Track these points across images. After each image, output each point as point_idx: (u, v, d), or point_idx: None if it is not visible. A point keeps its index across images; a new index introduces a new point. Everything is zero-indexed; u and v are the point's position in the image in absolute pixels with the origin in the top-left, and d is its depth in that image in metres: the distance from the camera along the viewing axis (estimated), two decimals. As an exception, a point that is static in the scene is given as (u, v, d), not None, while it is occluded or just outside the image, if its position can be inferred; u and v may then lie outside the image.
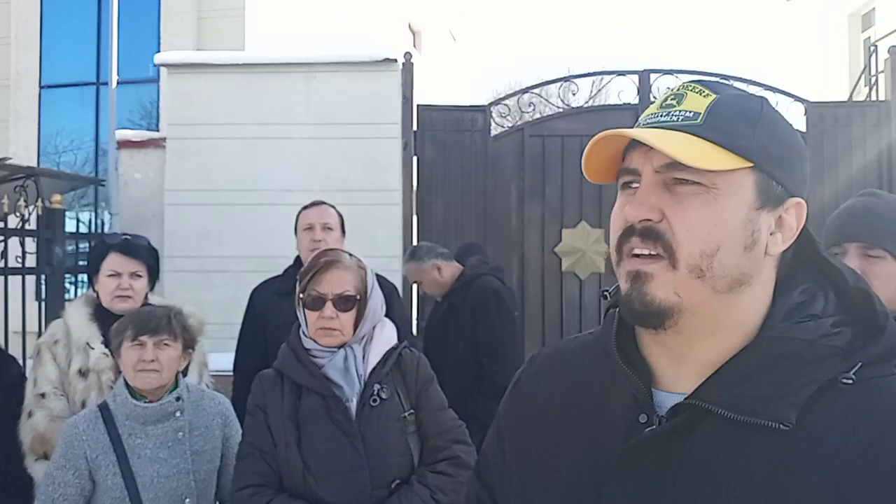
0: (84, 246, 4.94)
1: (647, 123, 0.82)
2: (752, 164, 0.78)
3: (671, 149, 0.75)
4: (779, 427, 0.74)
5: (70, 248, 4.66)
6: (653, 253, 0.79)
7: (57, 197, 4.65)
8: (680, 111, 0.80)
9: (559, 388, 0.94)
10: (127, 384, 2.00)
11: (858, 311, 0.80)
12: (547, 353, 1.03)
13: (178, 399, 2.01)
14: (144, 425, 1.98)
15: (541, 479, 0.90)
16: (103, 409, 2.00)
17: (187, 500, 1.96)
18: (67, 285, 4.71)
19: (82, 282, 5.15)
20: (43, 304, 4.31)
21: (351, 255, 1.93)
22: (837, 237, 1.66)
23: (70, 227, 4.41)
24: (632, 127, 0.83)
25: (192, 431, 2.03)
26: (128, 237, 2.43)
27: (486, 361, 3.19)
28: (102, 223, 5.01)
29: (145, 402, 1.98)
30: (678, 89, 0.83)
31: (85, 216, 4.90)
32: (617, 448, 0.82)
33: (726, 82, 0.84)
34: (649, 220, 0.79)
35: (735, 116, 0.79)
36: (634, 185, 0.82)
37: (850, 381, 0.75)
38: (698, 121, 0.79)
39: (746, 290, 0.80)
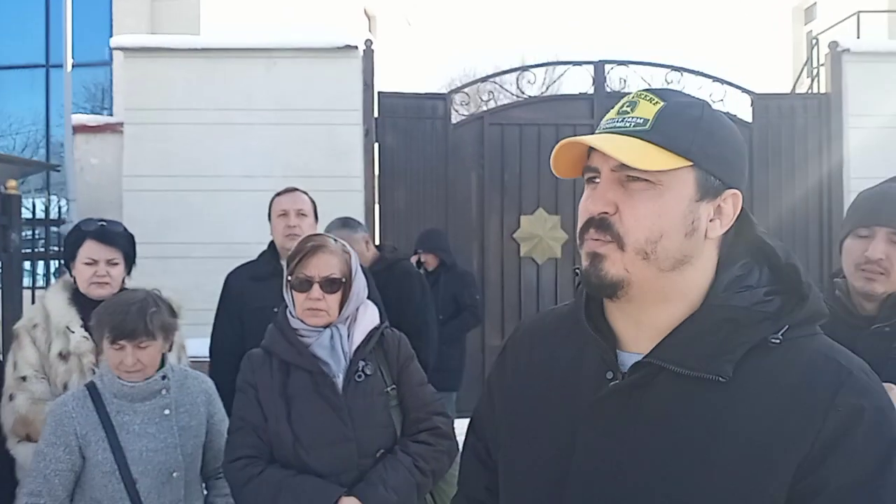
0: (40, 231, 4.87)
1: (606, 128, 0.96)
2: (691, 163, 0.92)
3: (620, 154, 0.90)
4: (718, 379, 0.89)
5: (26, 233, 4.59)
6: (605, 239, 0.93)
7: (12, 183, 4.57)
8: (632, 118, 0.94)
9: (539, 352, 1.09)
10: None
11: (788, 283, 0.95)
12: (528, 323, 1.19)
13: (164, 377, 2.07)
14: (132, 402, 2.03)
15: (526, 428, 1.05)
16: (91, 388, 2.05)
17: (175, 473, 2.03)
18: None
19: (35, 272, 5.07)
20: (-1, 290, 4.26)
21: (336, 240, 2.02)
22: (868, 219, 1.66)
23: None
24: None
25: (178, 408, 2.09)
26: (104, 224, 2.43)
27: (412, 339, 3.32)
28: (59, 208, 4.95)
29: (132, 382, 2.03)
30: (633, 97, 0.96)
31: (30, 202, 4.80)
32: (588, 400, 0.97)
33: (676, 90, 0.98)
34: (606, 212, 0.93)
35: (678, 122, 0.92)
36: (597, 179, 0.95)
37: (778, 341, 0.91)
38: (647, 126, 0.92)
39: (689, 267, 0.94)
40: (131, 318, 1.97)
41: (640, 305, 0.96)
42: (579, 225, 0.97)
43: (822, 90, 5.93)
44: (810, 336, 0.94)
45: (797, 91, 7.32)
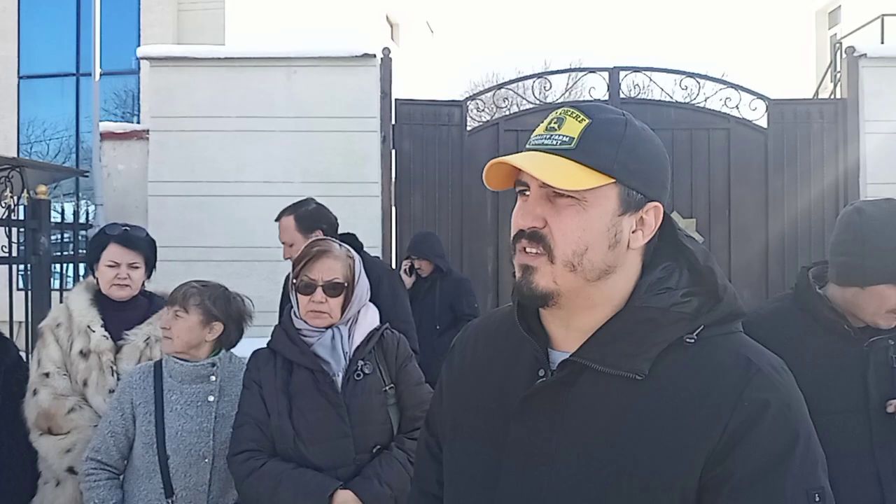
0: (68, 235, 5.04)
1: (534, 144, 1.00)
2: (614, 180, 0.96)
3: (545, 175, 0.94)
4: (635, 377, 0.95)
5: (54, 237, 4.75)
6: (537, 251, 0.97)
7: (42, 188, 4.73)
8: (559, 135, 0.98)
9: (482, 351, 1.15)
10: None
11: (705, 284, 1.00)
12: (475, 323, 1.25)
13: (212, 365, 2.23)
14: (181, 384, 2.20)
15: (465, 423, 1.11)
16: (157, 365, 2.26)
17: (206, 459, 2.17)
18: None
19: (64, 274, 5.23)
20: (29, 293, 4.41)
21: (341, 244, 2.11)
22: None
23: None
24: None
25: (223, 397, 2.23)
26: (127, 228, 2.55)
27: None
28: (87, 213, 5.12)
29: (181, 360, 2.22)
30: (560, 114, 1.00)
31: (59, 206, 4.96)
32: (520, 396, 1.02)
33: (602, 105, 1.02)
34: (536, 227, 0.97)
35: (602, 140, 0.96)
36: (527, 192, 1.00)
37: (693, 340, 0.96)
38: (572, 145, 0.96)
39: (613, 276, 0.99)
40: (180, 290, 2.27)
41: (569, 311, 1.01)
42: (511, 235, 1.02)
43: (844, 95, 5.90)
44: (726, 335, 0.98)
45: (820, 96, 7.26)
